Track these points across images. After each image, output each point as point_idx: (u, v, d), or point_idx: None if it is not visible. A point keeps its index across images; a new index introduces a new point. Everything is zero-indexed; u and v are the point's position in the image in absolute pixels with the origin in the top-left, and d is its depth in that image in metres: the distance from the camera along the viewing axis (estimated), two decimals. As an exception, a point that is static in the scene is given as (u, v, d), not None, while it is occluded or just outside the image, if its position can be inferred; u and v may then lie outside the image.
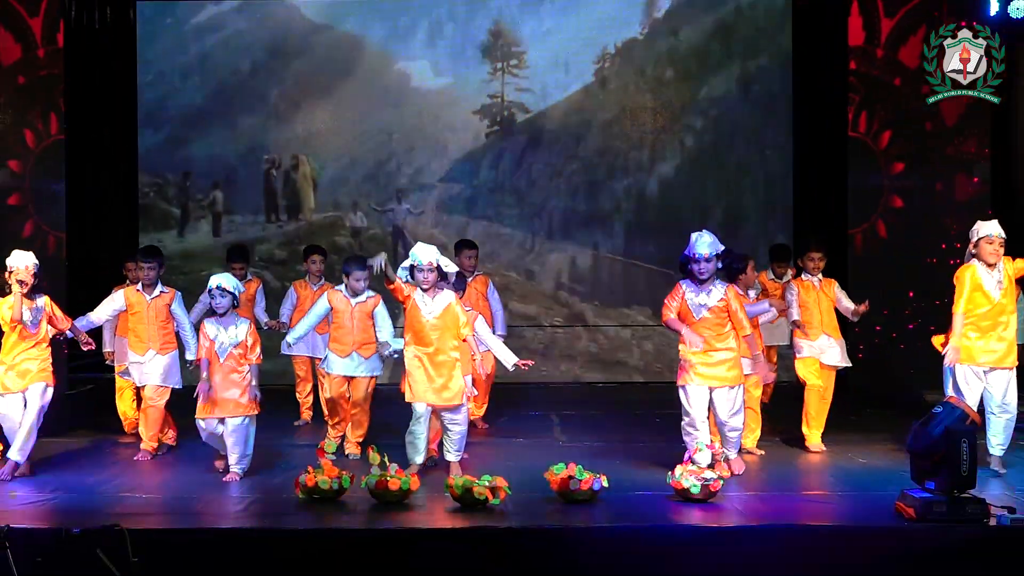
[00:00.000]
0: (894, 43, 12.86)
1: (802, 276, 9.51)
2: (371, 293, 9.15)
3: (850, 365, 9.47)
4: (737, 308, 8.28)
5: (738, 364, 8.36)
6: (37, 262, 8.62)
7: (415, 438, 8.34)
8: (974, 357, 8.40)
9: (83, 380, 11.03)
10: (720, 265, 8.25)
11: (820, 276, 9.42)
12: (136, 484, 8.32)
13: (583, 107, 13.72)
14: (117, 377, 10.08)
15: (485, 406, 10.44)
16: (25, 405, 8.55)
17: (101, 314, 9.35)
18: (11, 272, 8.53)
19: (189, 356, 9.28)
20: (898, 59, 12.75)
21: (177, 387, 9.35)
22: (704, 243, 8.18)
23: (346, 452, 9.10)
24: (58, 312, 8.74)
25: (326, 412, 9.42)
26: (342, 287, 9.18)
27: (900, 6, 12.84)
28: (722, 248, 8.25)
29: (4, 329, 8.63)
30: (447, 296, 8.31)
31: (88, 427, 10.34)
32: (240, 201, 13.84)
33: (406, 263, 8.34)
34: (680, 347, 8.38)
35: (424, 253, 8.24)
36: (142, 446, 9.23)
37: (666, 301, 8.35)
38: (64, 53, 13.22)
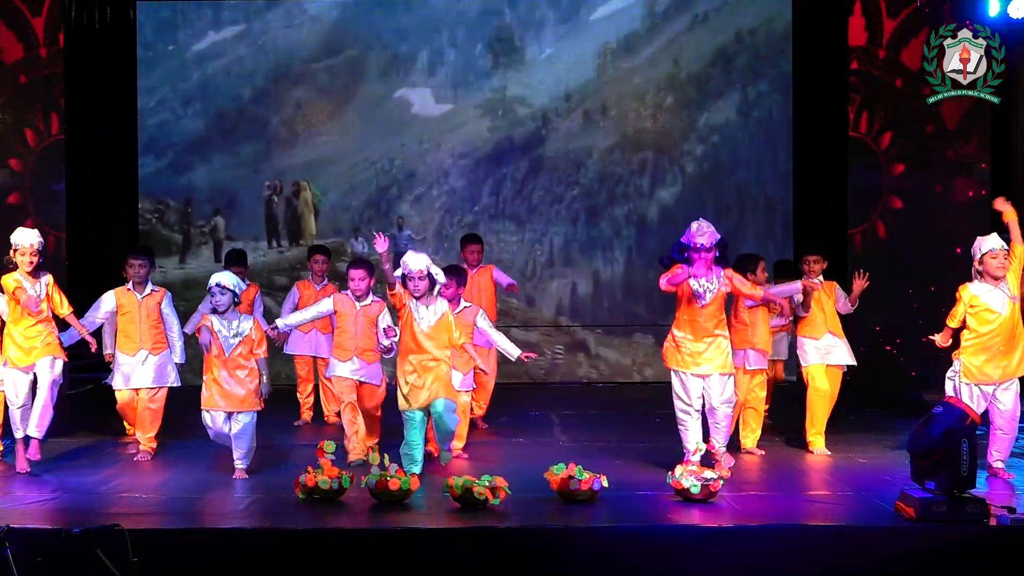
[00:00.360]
0: (896, 44, 12.85)
1: (803, 280, 9.53)
2: (377, 298, 9.10)
3: (855, 364, 9.47)
4: (740, 282, 8.34)
5: (729, 351, 8.38)
6: (41, 240, 8.63)
7: (411, 448, 8.30)
8: (988, 375, 8.25)
9: (83, 380, 11.03)
10: (719, 253, 8.25)
11: (821, 279, 9.42)
12: (136, 484, 8.32)
13: (583, 134, 13.75)
14: None
15: (486, 407, 10.43)
16: (35, 381, 8.57)
17: (94, 317, 9.30)
18: (16, 250, 8.54)
19: (176, 359, 9.28)
20: (900, 60, 12.74)
21: (175, 385, 9.35)
22: (704, 235, 8.16)
23: (349, 460, 8.95)
24: (56, 296, 8.70)
25: (332, 414, 9.37)
26: (347, 291, 9.13)
27: (903, 7, 12.83)
28: (719, 236, 8.24)
29: (8, 307, 8.59)
30: (441, 306, 8.36)
31: (88, 427, 10.34)
32: (241, 227, 13.84)
33: (397, 272, 8.35)
34: (673, 331, 8.37)
35: (415, 261, 8.25)
36: (141, 447, 9.23)
37: (663, 275, 8.28)
38: (64, 53, 13.22)
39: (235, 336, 8.43)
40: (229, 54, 13.81)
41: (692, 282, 8.21)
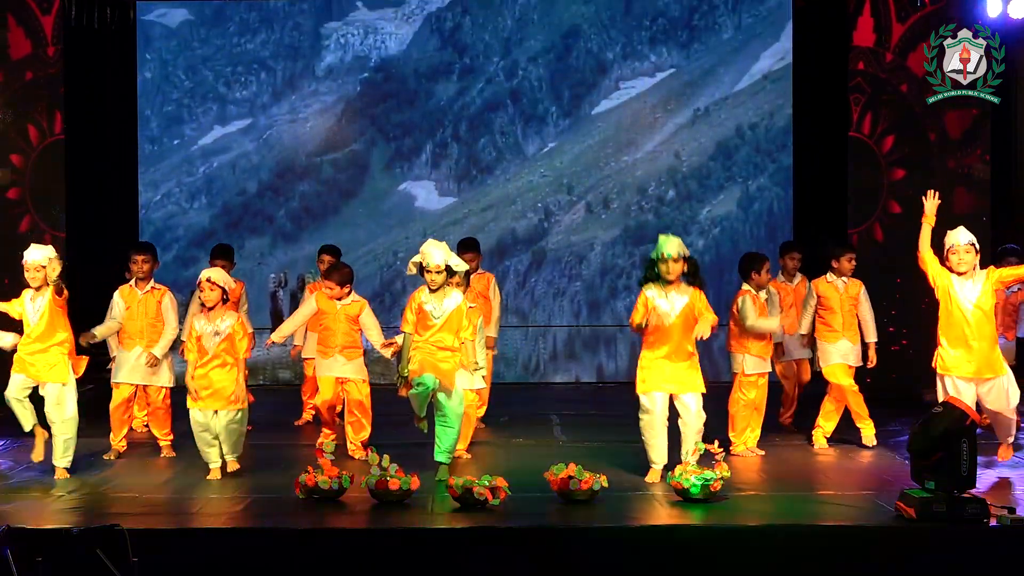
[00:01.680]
0: (903, 50, 12.79)
1: (827, 277, 9.52)
2: (356, 297, 9.17)
3: (861, 364, 9.52)
4: (703, 306, 8.14)
5: (698, 368, 8.26)
6: (50, 256, 8.59)
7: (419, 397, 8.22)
8: (958, 368, 8.21)
9: (83, 380, 10.99)
10: (687, 269, 8.17)
11: (847, 278, 9.46)
12: (136, 484, 8.32)
13: (585, 227, 13.78)
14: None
15: (485, 407, 10.44)
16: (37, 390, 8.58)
17: (111, 318, 9.33)
18: (26, 267, 8.53)
19: (156, 352, 9.21)
20: (906, 66, 12.66)
21: (168, 387, 9.37)
22: (673, 244, 8.10)
23: (349, 453, 9.05)
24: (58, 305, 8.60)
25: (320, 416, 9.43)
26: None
27: (912, 12, 12.76)
28: (687, 252, 8.18)
29: (24, 322, 8.61)
30: (455, 299, 8.31)
31: (88, 427, 10.30)
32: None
33: (416, 258, 8.31)
34: (643, 352, 8.27)
35: (434, 256, 8.20)
36: (160, 443, 9.35)
37: (633, 314, 8.23)
38: (64, 53, 13.19)
39: (217, 334, 8.43)
40: (235, 148, 13.84)
41: (659, 302, 8.12)
